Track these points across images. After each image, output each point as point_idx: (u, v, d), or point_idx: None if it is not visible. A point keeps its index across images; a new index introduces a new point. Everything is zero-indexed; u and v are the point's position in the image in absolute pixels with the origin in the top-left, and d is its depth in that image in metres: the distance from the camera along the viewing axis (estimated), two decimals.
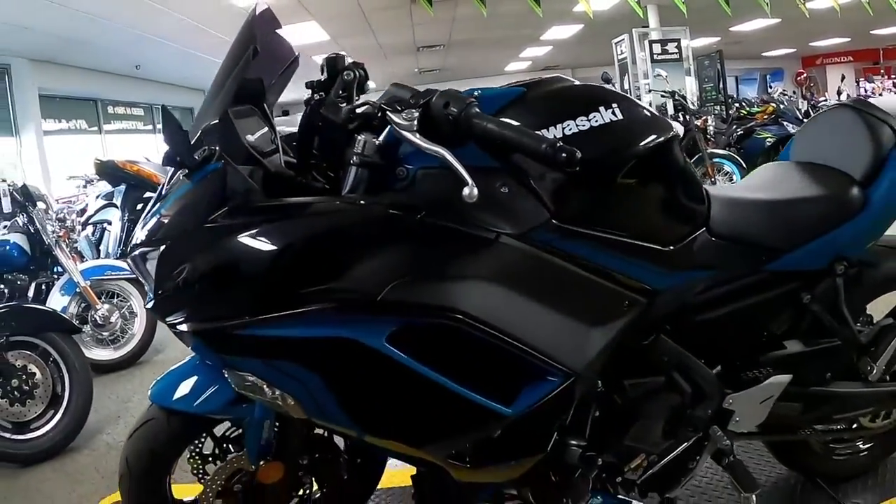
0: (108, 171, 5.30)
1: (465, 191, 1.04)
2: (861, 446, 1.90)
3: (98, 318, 3.74)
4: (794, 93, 12.31)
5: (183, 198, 1.18)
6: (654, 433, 1.45)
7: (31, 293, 3.74)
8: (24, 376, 2.73)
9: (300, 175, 1.27)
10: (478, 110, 1.09)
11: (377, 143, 1.16)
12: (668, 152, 1.30)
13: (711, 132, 7.23)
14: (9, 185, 3.80)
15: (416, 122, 1.09)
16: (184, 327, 1.19)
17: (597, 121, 1.18)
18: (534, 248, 1.18)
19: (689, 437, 1.48)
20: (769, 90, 13.88)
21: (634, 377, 1.40)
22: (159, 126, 12.85)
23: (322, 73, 1.36)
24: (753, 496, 1.51)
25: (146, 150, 9.42)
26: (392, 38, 11.29)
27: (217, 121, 1.19)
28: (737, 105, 9.55)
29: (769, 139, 7.45)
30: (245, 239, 1.09)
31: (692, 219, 1.37)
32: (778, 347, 1.57)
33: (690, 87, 9.87)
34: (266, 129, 1.34)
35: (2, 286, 3.64)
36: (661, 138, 1.26)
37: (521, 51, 14.85)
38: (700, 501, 1.87)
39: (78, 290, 3.67)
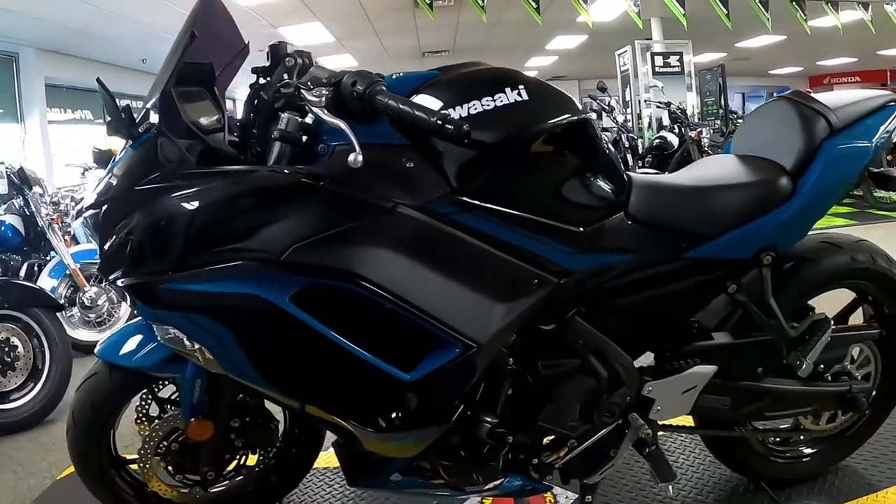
0: (106, 159, 5.40)
1: (351, 157, 1.12)
2: (806, 450, 1.86)
3: (86, 301, 3.84)
4: None
5: (123, 164, 1.28)
6: (568, 416, 1.47)
7: (22, 273, 3.84)
8: (6, 348, 2.84)
9: (242, 152, 1.36)
10: (383, 88, 1.17)
11: (300, 121, 1.25)
12: (580, 134, 1.35)
13: (706, 144, 7.30)
14: (6, 168, 3.92)
15: (324, 99, 1.17)
16: (120, 283, 1.27)
17: (502, 101, 1.24)
18: (433, 219, 1.24)
19: (607, 424, 1.49)
20: None
21: (549, 358, 1.43)
22: None
23: (267, 60, 1.43)
24: (670, 486, 1.55)
25: None
26: (397, 42, 11.40)
27: (159, 97, 1.27)
28: (737, 119, 9.61)
29: None
30: (169, 201, 1.19)
31: (607, 201, 1.40)
32: (706, 338, 1.57)
33: (692, 101, 9.94)
34: (214, 109, 1.44)
35: None
36: (569, 119, 1.30)
37: (526, 60, 14.93)
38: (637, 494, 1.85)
39: (68, 272, 3.78)
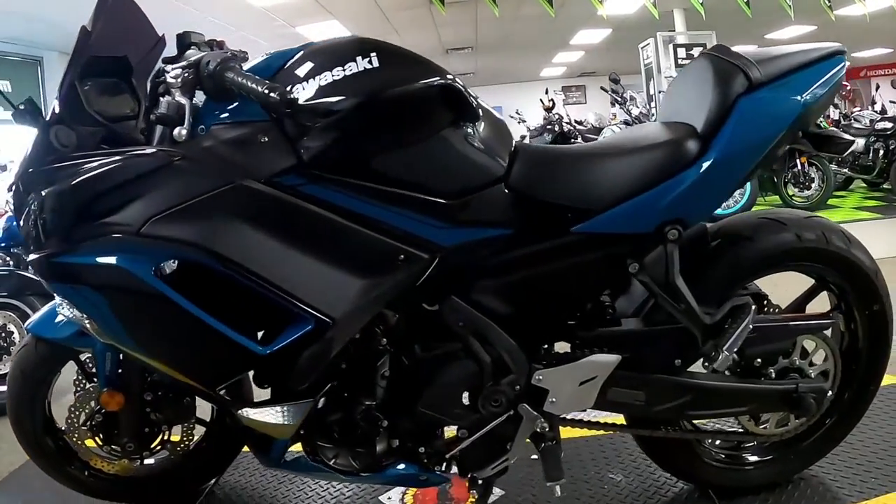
0: None
1: (176, 131, 1.20)
2: (754, 457, 1.68)
3: None
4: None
5: (28, 150, 1.33)
6: (451, 403, 1.40)
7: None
8: (2, 334, 2.96)
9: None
10: (232, 65, 1.19)
11: (179, 103, 1.26)
12: (447, 101, 1.29)
13: None
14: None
15: (180, 80, 1.23)
16: (28, 259, 1.33)
17: (351, 70, 1.21)
18: (280, 192, 1.24)
19: (495, 414, 1.39)
20: None
21: (427, 340, 1.37)
22: None
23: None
24: (557, 487, 1.43)
25: None
26: (417, 39, 11.39)
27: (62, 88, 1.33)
28: None
29: None
30: (53, 180, 1.23)
31: (483, 171, 1.32)
32: (615, 324, 1.45)
33: None
34: (130, 100, 1.47)
35: (8, 258, 3.91)
36: (426, 83, 1.26)
37: (553, 56, 14.83)
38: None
39: None
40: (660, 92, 9.72)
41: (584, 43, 13.21)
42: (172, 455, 1.81)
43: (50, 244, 1.25)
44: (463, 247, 1.31)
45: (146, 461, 1.79)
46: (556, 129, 9.95)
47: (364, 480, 1.50)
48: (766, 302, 1.57)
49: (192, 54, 1.35)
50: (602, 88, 7.14)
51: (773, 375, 1.51)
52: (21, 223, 1.30)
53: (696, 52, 9.71)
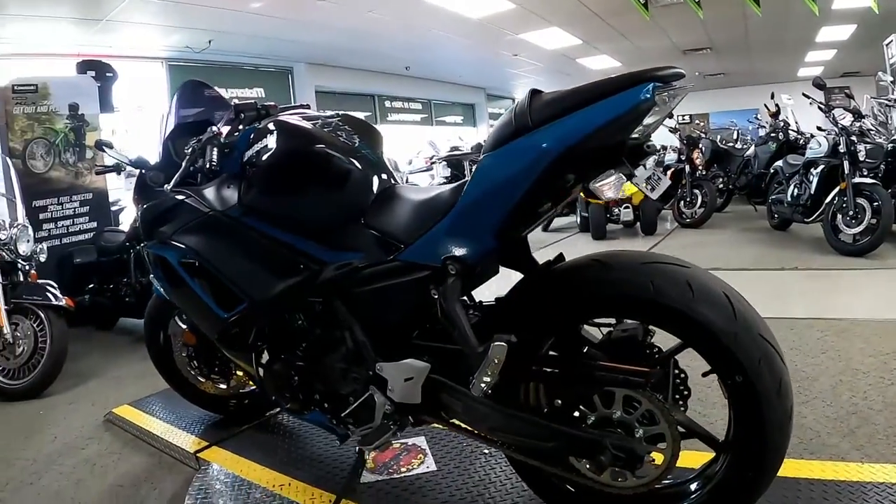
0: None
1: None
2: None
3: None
4: None
5: (135, 184, 2.33)
6: (332, 374, 1.79)
7: None
8: (28, 333, 3.60)
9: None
10: (209, 142, 1.98)
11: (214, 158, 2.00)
12: (316, 163, 1.76)
13: None
14: None
15: (191, 149, 2.07)
16: None
17: (261, 145, 1.86)
18: (230, 220, 1.88)
19: (356, 391, 1.74)
20: None
21: (325, 325, 1.80)
22: (438, 118, 14.61)
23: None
24: (364, 450, 1.89)
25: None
26: (647, 42, 11.31)
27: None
28: None
29: None
30: (145, 205, 2.18)
31: (349, 210, 1.73)
32: (434, 335, 1.64)
33: None
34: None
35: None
36: (304, 153, 1.78)
37: (803, 55, 13.53)
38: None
39: None
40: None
41: (830, 40, 11.93)
42: (239, 387, 2.60)
43: (144, 238, 2.13)
44: (335, 264, 1.72)
45: (220, 385, 2.61)
46: (781, 136, 9.28)
47: (301, 419, 2.04)
48: (586, 349, 1.56)
49: (250, 117, 2.05)
50: (804, 95, 6.60)
51: (590, 422, 1.49)
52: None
53: None
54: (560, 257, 1.61)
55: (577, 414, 1.52)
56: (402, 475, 2.11)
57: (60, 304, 3.62)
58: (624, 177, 1.34)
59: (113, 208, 6.08)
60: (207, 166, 1.92)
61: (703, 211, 8.26)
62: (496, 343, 1.44)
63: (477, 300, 1.73)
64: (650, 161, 1.39)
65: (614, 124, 1.27)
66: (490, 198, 1.43)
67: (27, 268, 3.81)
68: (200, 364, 2.56)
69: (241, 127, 2.04)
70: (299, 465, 2.27)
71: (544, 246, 8.01)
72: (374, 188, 1.77)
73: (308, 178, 1.78)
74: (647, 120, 1.29)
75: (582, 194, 6.71)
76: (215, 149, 1.93)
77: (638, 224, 8.18)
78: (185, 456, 2.46)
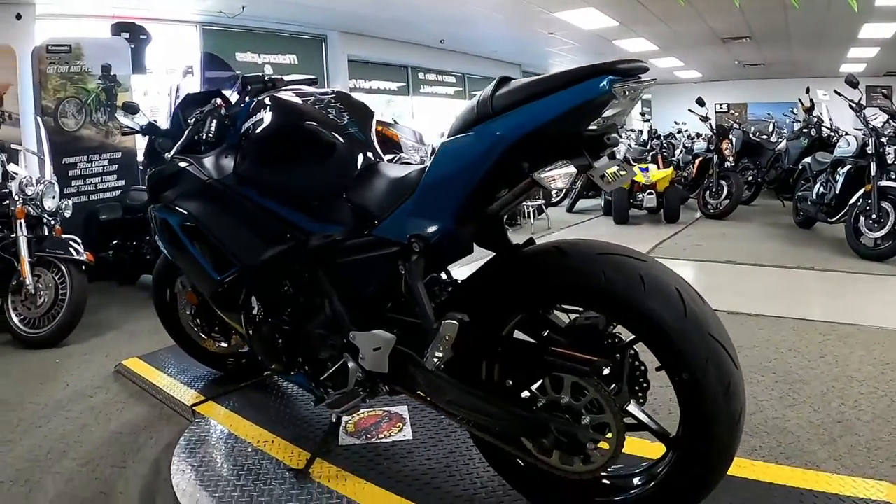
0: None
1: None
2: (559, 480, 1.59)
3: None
4: None
5: (146, 148, 2.48)
6: (311, 339, 1.87)
7: None
8: (50, 284, 3.79)
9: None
10: (211, 114, 2.10)
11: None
12: (307, 138, 1.84)
13: None
14: None
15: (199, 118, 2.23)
16: None
17: (257, 117, 1.95)
18: (225, 188, 1.99)
19: (333, 356, 1.82)
20: None
21: (307, 293, 1.90)
22: (472, 92, 14.57)
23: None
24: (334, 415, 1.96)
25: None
26: (684, 27, 11.08)
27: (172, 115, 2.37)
28: None
29: None
30: (153, 170, 2.30)
31: (332, 185, 1.80)
32: (401, 309, 1.68)
33: None
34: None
35: None
36: (294, 128, 1.87)
37: (845, 51, 13.13)
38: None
39: None
40: None
41: (873, 37, 11.55)
42: (238, 347, 2.72)
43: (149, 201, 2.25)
44: (319, 235, 1.80)
45: (221, 344, 2.74)
46: (813, 132, 9.09)
47: (288, 379, 2.17)
48: (546, 333, 1.58)
49: (256, 89, 2.15)
50: (836, 92, 6.46)
51: (540, 404, 1.52)
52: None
53: None
54: (530, 241, 1.64)
55: (528, 395, 1.57)
56: (379, 440, 2.21)
57: (81, 258, 3.78)
58: (576, 169, 1.35)
59: (141, 168, 6.25)
60: (205, 137, 2.01)
61: (729, 202, 8.16)
62: (447, 321, 1.48)
63: (455, 278, 1.79)
64: (620, 155, 1.43)
65: (570, 115, 1.29)
66: (449, 181, 1.49)
67: (52, 223, 3.98)
68: (202, 322, 2.69)
69: (246, 99, 2.13)
70: (286, 423, 2.39)
71: (566, 226, 8.06)
72: (359, 164, 1.84)
73: (294, 152, 1.87)
74: (607, 112, 1.31)
75: None
76: (215, 120, 2.03)
77: (661, 211, 8.16)
78: (183, 409, 2.60)
